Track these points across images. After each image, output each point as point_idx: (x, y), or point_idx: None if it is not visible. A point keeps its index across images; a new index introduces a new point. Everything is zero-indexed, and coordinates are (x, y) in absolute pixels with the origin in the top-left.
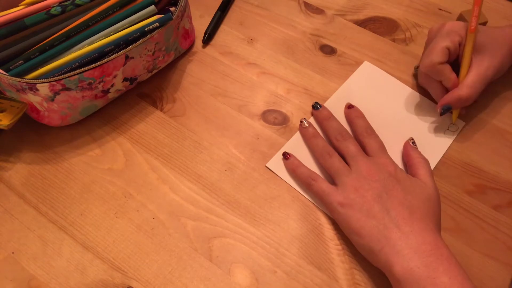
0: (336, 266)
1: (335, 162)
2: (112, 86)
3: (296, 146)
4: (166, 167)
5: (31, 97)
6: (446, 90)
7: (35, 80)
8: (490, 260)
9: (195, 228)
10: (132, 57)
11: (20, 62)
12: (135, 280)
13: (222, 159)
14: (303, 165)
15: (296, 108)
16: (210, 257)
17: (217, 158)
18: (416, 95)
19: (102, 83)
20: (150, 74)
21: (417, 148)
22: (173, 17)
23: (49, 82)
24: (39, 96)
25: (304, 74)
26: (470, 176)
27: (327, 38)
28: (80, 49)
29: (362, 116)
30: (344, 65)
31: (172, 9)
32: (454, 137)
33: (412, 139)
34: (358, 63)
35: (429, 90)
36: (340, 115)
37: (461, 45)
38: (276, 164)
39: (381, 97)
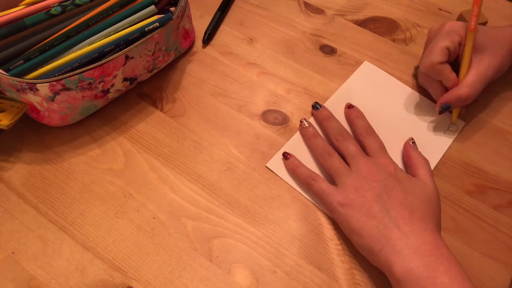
0: (336, 266)
1: (335, 162)
2: (112, 86)
3: (296, 146)
4: (166, 167)
5: (31, 97)
6: (446, 90)
7: (35, 80)
8: (490, 260)
9: (195, 228)
10: (132, 57)
11: (20, 62)
12: (135, 280)
13: (222, 159)
14: (303, 165)
15: (296, 108)
16: (210, 257)
17: (217, 158)
18: (416, 95)
19: (102, 83)
20: (150, 74)
21: (417, 148)
22: (173, 17)
23: (49, 82)
24: (39, 96)
25: (304, 74)
26: (470, 176)
27: (327, 38)
28: (80, 49)
29: (362, 116)
30: (344, 65)
31: (172, 9)
32: (454, 137)
33: (412, 139)
34: (358, 63)
35: (429, 90)
36: (340, 115)
37: (461, 45)
38: (276, 164)
39: (381, 97)
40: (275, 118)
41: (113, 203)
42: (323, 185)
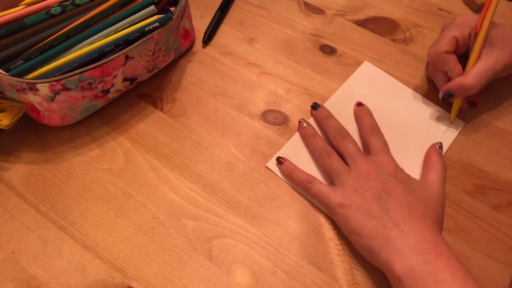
0: (336, 266)
1: (334, 162)
2: (112, 86)
3: (296, 147)
4: (166, 167)
5: (31, 97)
6: None
7: (35, 80)
8: (490, 260)
9: (195, 228)
10: (132, 57)
11: (20, 62)
12: (135, 280)
13: (222, 159)
14: (299, 168)
15: (296, 108)
16: (210, 257)
17: (217, 158)
18: (416, 95)
19: (102, 83)
20: (150, 74)
21: (441, 153)
22: (173, 17)
23: (49, 82)
24: (39, 96)
25: (304, 74)
26: (470, 176)
27: (327, 38)
28: (80, 49)
29: (370, 114)
30: (344, 65)
31: (172, 9)
32: (454, 137)
33: (440, 143)
34: (358, 63)
35: (434, 81)
36: (340, 115)
37: (471, 37)
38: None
39: (381, 97)
40: (275, 118)
41: (113, 203)
42: (321, 187)
